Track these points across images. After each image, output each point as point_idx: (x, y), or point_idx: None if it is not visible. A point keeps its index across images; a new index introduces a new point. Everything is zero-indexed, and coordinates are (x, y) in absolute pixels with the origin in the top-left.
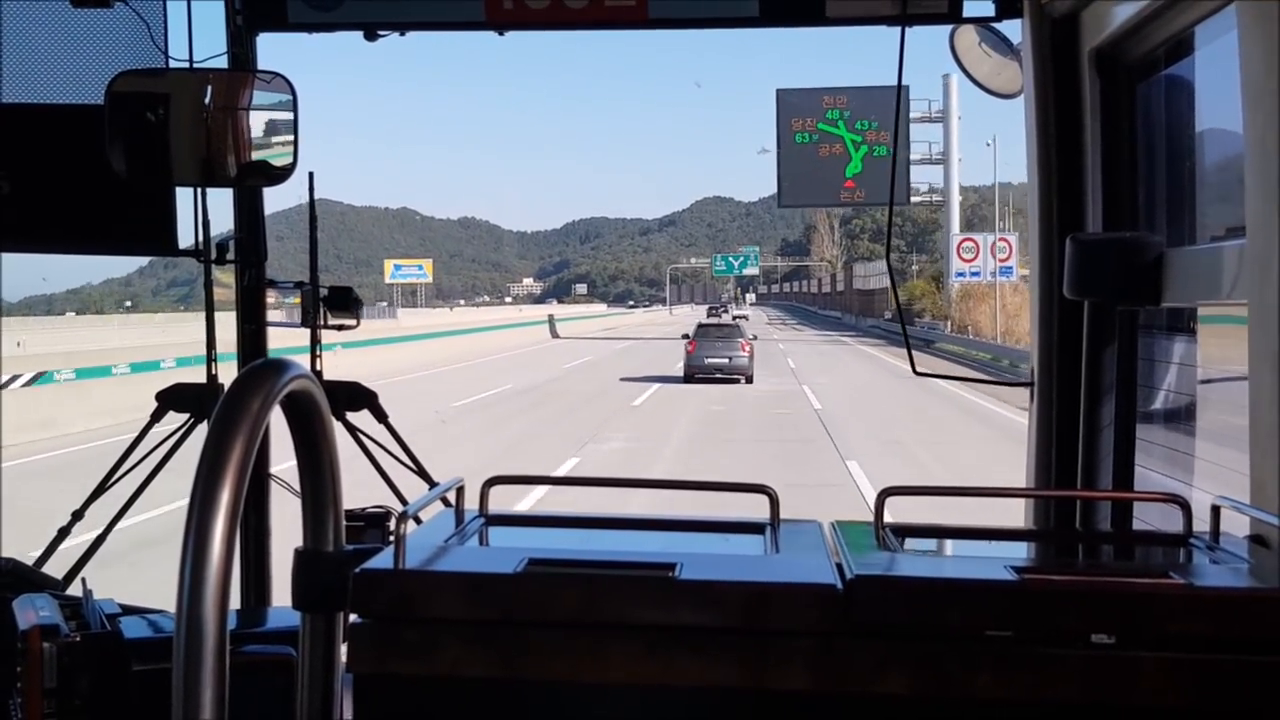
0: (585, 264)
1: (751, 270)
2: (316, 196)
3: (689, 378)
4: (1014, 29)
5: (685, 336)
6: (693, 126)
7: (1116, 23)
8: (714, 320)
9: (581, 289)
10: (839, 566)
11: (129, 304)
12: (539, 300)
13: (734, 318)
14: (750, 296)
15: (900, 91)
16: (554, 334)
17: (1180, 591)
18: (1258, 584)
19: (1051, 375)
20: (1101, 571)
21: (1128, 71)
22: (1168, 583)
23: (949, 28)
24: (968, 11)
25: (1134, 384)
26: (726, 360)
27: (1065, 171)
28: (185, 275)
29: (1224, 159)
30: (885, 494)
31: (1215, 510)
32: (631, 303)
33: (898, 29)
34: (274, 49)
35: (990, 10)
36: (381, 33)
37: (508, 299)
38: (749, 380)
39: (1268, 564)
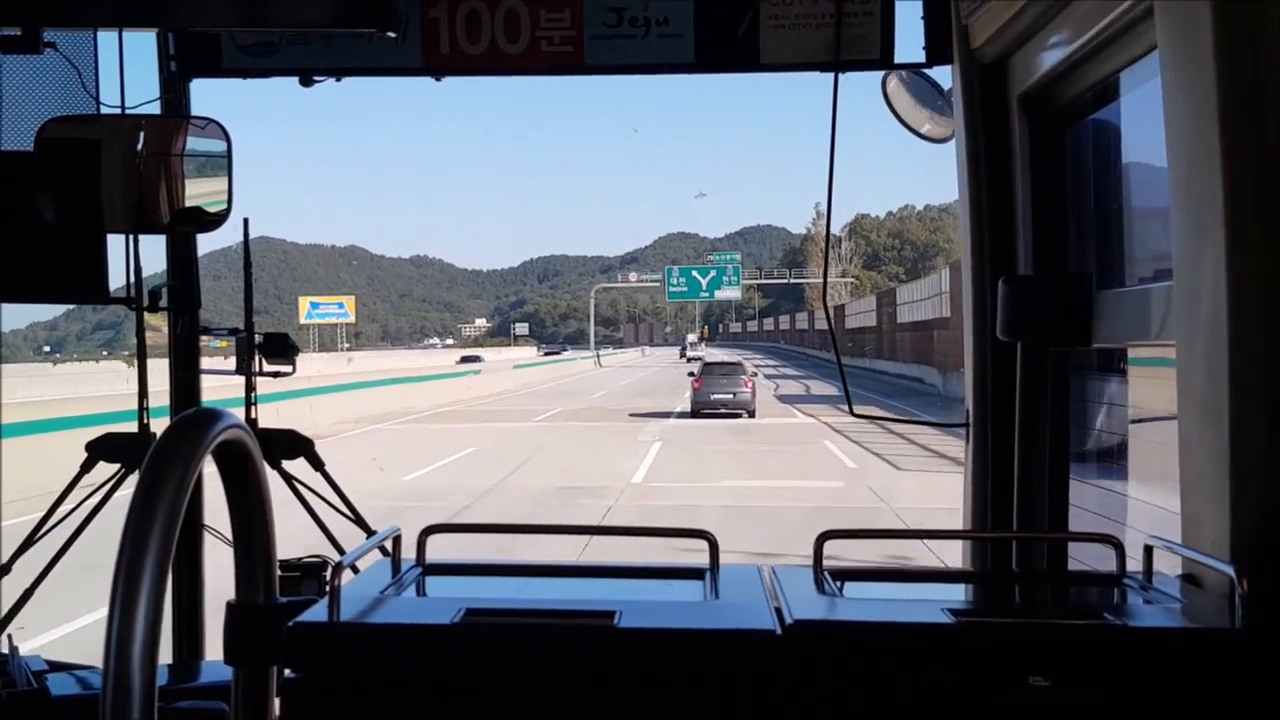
0: (543, 303)
1: (730, 292)
2: (256, 234)
3: (695, 413)
4: (944, 75)
5: (692, 375)
6: (654, 162)
7: (1044, 68)
8: (718, 359)
9: (522, 329)
10: (778, 611)
11: (48, 348)
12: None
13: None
14: (692, 337)
15: (834, 136)
16: None
17: (1115, 633)
18: (1190, 623)
19: (986, 416)
20: (1037, 613)
21: (1056, 116)
22: (1102, 624)
23: (881, 73)
24: (899, 57)
25: (1067, 424)
26: (731, 396)
27: (996, 214)
28: (112, 318)
29: (1151, 201)
30: (824, 537)
31: (1148, 550)
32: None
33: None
34: (210, 94)
35: (921, 56)
36: (317, 78)
37: (449, 340)
38: (751, 415)
39: (1200, 603)
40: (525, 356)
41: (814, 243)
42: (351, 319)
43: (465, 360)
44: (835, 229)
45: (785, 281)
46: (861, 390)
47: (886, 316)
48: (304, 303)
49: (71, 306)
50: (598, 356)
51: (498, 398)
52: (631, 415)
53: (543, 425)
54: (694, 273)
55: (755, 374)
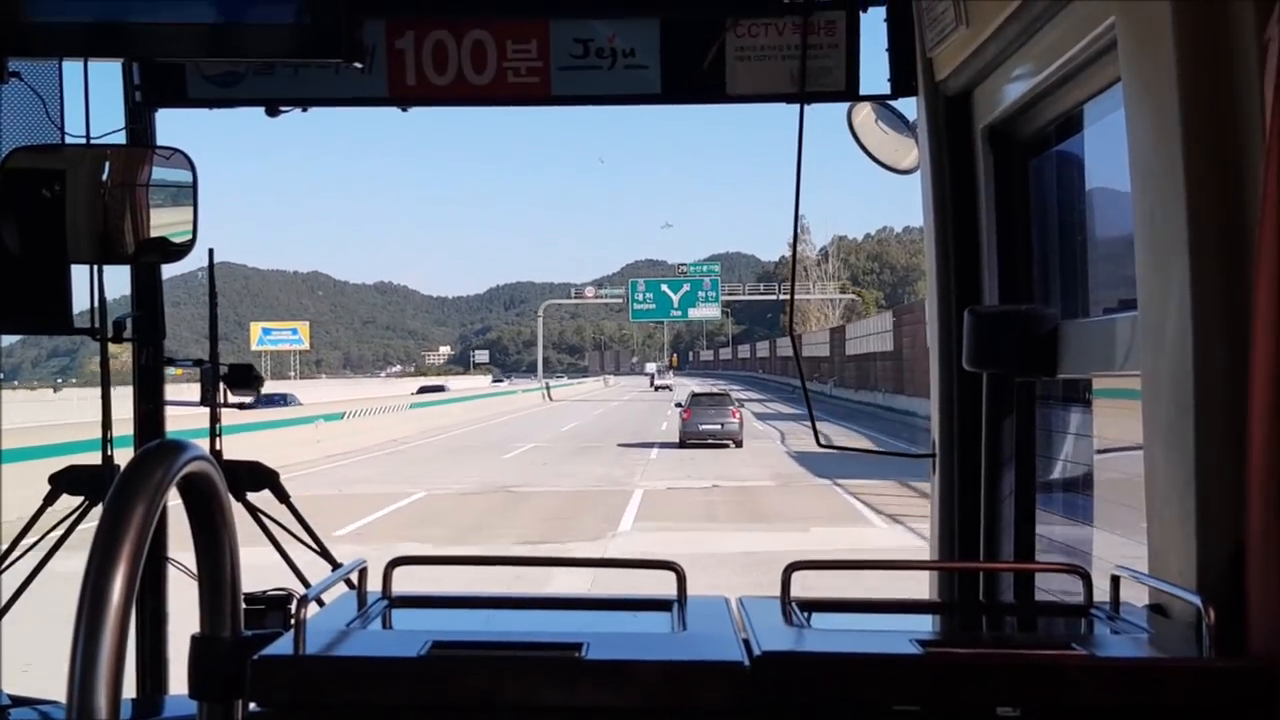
0: (507, 330)
1: (707, 310)
2: (216, 260)
3: (683, 443)
4: (909, 106)
5: (678, 405)
6: (621, 190)
7: (1008, 100)
8: (707, 390)
9: (482, 356)
10: (746, 643)
11: (1, 375)
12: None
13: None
14: (651, 367)
15: (800, 167)
16: None
17: (1083, 662)
18: (1158, 653)
19: (952, 447)
20: (1005, 644)
21: (1020, 147)
22: (1070, 654)
23: (847, 105)
24: (864, 89)
25: (1033, 455)
26: (719, 426)
27: (962, 245)
28: (67, 344)
29: (1115, 232)
30: (792, 568)
31: (1115, 580)
32: None
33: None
34: (175, 123)
35: (886, 88)
36: (283, 108)
37: (409, 366)
38: (738, 445)
39: (1167, 633)
40: (461, 387)
41: (797, 261)
42: (306, 345)
43: (261, 402)
44: (815, 249)
45: (774, 297)
46: (900, 441)
47: (906, 339)
48: (255, 328)
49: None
50: (546, 388)
51: (346, 463)
52: (544, 520)
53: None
54: (664, 287)
55: (741, 404)
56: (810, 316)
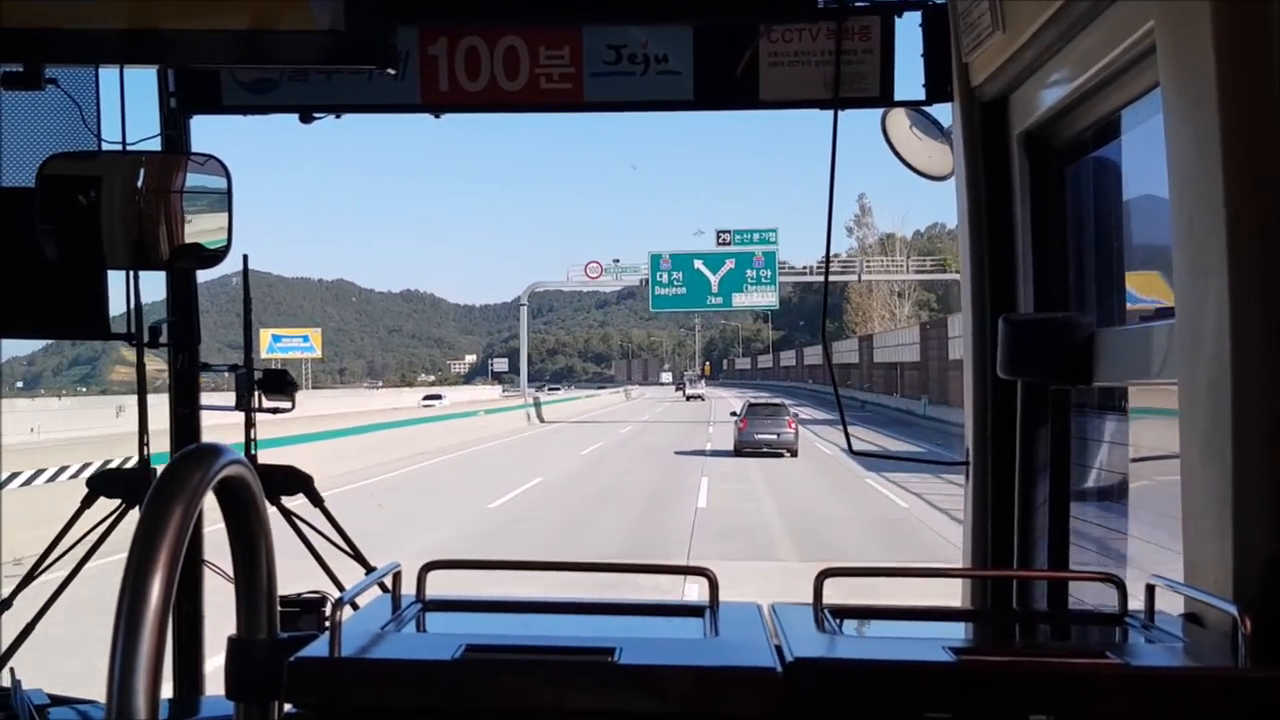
0: (532, 338)
1: (760, 296)
2: (240, 267)
3: (738, 451)
4: (944, 112)
5: (733, 414)
6: (650, 197)
7: (1044, 106)
8: (762, 400)
9: (501, 365)
10: (778, 649)
11: (20, 384)
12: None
13: None
14: (668, 375)
15: (834, 173)
16: None
17: (1117, 671)
18: (1193, 663)
19: (986, 455)
20: (1039, 652)
21: (1056, 154)
22: (1105, 662)
23: (881, 111)
24: (899, 95)
25: (1068, 463)
26: (775, 436)
27: (997, 252)
28: (88, 353)
29: (1152, 239)
30: (824, 575)
31: (1150, 589)
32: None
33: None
34: (210, 128)
35: (921, 94)
36: (316, 115)
37: (432, 378)
38: (793, 454)
39: (1203, 643)
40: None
41: (866, 219)
42: (318, 353)
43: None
44: (878, 234)
45: (853, 277)
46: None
47: None
48: (265, 335)
49: (48, 341)
50: (536, 405)
51: None
52: None
53: None
54: (698, 264)
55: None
56: (873, 315)
